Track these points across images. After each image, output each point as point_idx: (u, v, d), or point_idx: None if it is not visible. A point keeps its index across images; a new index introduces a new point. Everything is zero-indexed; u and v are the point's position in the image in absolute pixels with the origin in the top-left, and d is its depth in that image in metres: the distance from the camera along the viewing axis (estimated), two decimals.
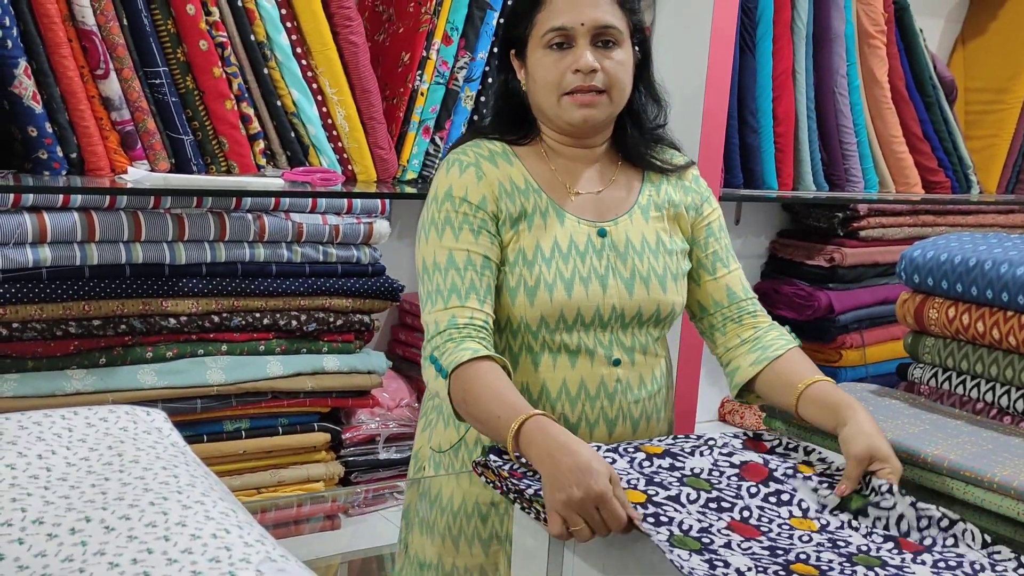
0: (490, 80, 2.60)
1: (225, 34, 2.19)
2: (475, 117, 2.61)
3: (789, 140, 3.18)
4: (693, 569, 1.12)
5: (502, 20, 1.66)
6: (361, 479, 2.56)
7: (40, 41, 1.97)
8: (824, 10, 3.21)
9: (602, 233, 1.58)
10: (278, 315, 2.37)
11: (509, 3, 1.62)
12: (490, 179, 1.56)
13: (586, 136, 1.61)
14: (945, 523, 1.31)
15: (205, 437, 2.28)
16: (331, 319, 2.44)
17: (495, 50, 2.58)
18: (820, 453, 1.49)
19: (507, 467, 1.37)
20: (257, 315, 2.34)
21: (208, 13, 2.16)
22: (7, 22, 1.92)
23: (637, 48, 1.60)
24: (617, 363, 1.58)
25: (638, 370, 1.61)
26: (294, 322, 2.39)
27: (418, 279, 1.57)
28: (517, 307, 1.54)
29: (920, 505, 1.33)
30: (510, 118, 1.65)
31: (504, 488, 1.34)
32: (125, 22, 2.07)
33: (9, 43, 1.92)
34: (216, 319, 2.29)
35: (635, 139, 1.65)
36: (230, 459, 2.31)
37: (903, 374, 1.98)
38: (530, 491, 1.29)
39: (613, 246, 1.58)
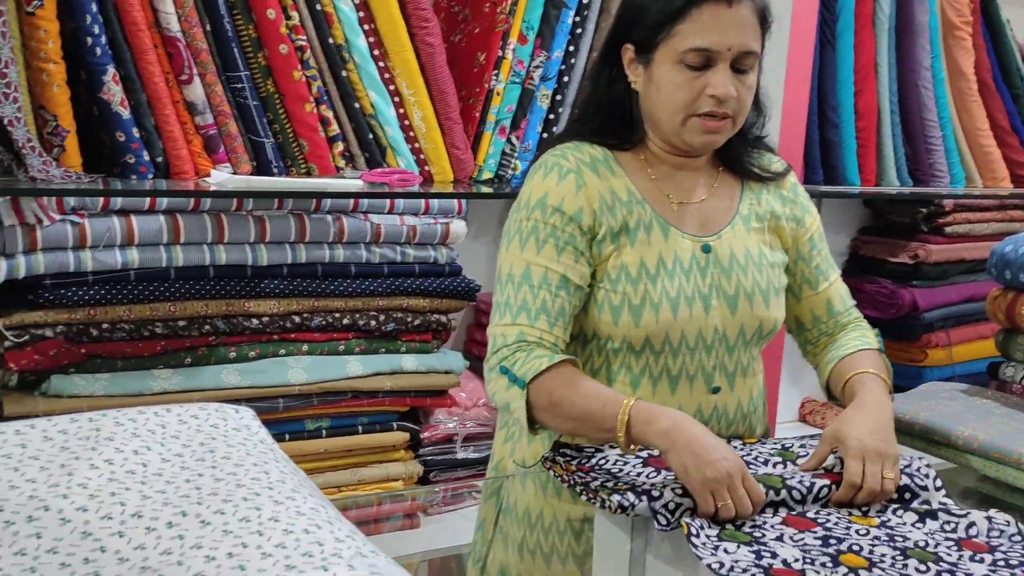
0: (566, 79, 2.59)
1: (304, 38, 2.22)
2: (551, 116, 2.60)
3: (871, 135, 3.11)
4: (733, 565, 1.10)
5: (621, 13, 1.56)
6: (439, 478, 2.57)
7: (127, 48, 2.01)
8: (907, 1, 3.14)
9: (707, 249, 1.52)
10: (357, 315, 2.39)
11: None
12: (591, 190, 1.49)
13: (698, 155, 1.56)
14: (1019, 537, 1.26)
15: (287, 436, 2.31)
16: (409, 319, 2.46)
17: (572, 48, 2.57)
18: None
19: (575, 462, 1.38)
20: (337, 315, 2.37)
21: (288, 17, 2.19)
22: (96, 30, 1.97)
23: None
24: (717, 390, 1.53)
25: (736, 395, 1.56)
26: (373, 322, 2.41)
27: (495, 285, 1.53)
28: (620, 327, 1.47)
29: (995, 518, 1.28)
30: (612, 120, 1.56)
31: (571, 481, 1.35)
32: (208, 28, 2.11)
33: (98, 50, 1.97)
34: (297, 319, 2.32)
35: (738, 148, 1.58)
36: (311, 458, 2.34)
37: (994, 373, 1.93)
38: (595, 483, 1.31)
39: (717, 262, 1.52)
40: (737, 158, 1.59)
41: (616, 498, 1.25)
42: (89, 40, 1.97)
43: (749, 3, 1.44)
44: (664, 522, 1.23)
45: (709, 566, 1.12)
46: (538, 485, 1.58)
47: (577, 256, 1.47)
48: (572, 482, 1.34)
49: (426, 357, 2.49)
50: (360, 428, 2.42)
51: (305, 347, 2.34)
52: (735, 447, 1.47)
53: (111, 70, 1.99)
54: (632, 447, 1.34)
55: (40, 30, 1.91)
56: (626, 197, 1.51)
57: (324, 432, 2.37)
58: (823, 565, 1.13)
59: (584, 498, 1.32)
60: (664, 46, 1.45)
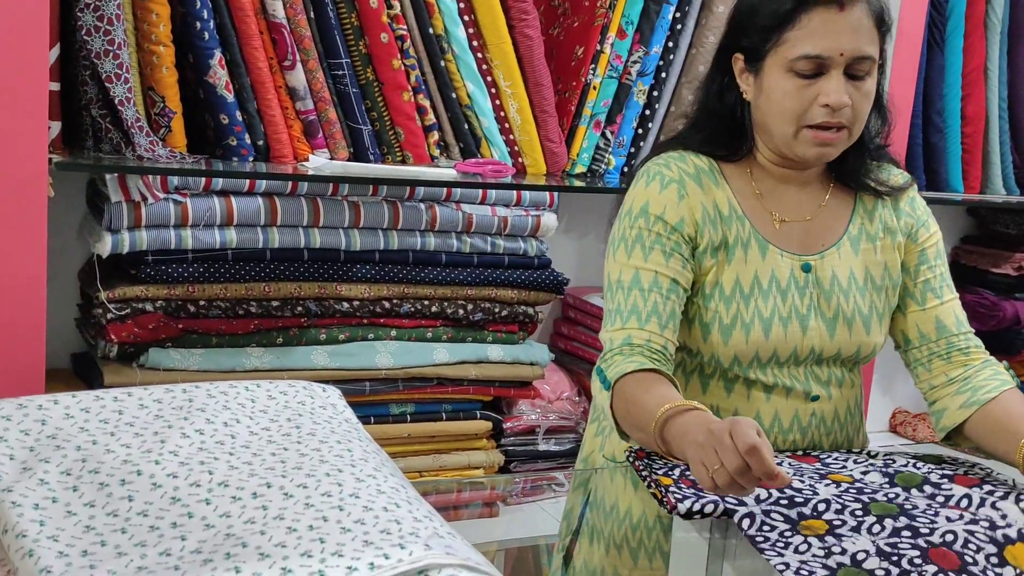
0: (663, 75, 2.57)
1: (405, 27, 2.25)
2: (647, 111, 2.59)
3: (978, 141, 3.02)
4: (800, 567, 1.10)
5: (731, 21, 1.49)
6: (520, 469, 2.58)
7: (234, 33, 2.06)
8: (1021, 3, 3.03)
9: (806, 268, 1.48)
10: (446, 303, 2.42)
11: (743, 5, 1.47)
12: (693, 201, 1.47)
13: (809, 168, 1.52)
14: None
15: (372, 419, 2.34)
16: (496, 309, 2.47)
17: (671, 44, 2.55)
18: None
19: (658, 462, 1.38)
20: (426, 303, 2.39)
21: (390, 7, 2.22)
22: (205, 15, 2.02)
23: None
24: (815, 399, 1.51)
25: (834, 404, 1.53)
26: (461, 311, 2.43)
27: (603, 294, 1.52)
28: (709, 343, 1.46)
29: None
30: (721, 130, 1.52)
31: (649, 481, 1.34)
32: (312, 15, 2.15)
33: (206, 35, 2.03)
34: (387, 305, 2.35)
35: (855, 160, 1.52)
36: (395, 441, 2.37)
37: None
38: (671, 488, 1.29)
39: (817, 283, 1.48)
40: (853, 171, 1.53)
41: (687, 503, 1.25)
42: (198, 25, 2.02)
43: (864, 5, 1.39)
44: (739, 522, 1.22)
45: (776, 567, 1.10)
46: (628, 479, 1.57)
47: (684, 262, 1.46)
48: (649, 482, 1.34)
49: (512, 348, 2.50)
50: (444, 415, 2.44)
51: (393, 332, 2.37)
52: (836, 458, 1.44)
53: (218, 54, 2.05)
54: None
55: (152, 13, 1.97)
56: (727, 211, 1.49)
57: (408, 417, 2.40)
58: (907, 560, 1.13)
59: (655, 499, 1.31)
60: (773, 54, 1.41)
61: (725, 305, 1.45)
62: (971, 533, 1.18)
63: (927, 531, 1.19)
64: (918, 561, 1.11)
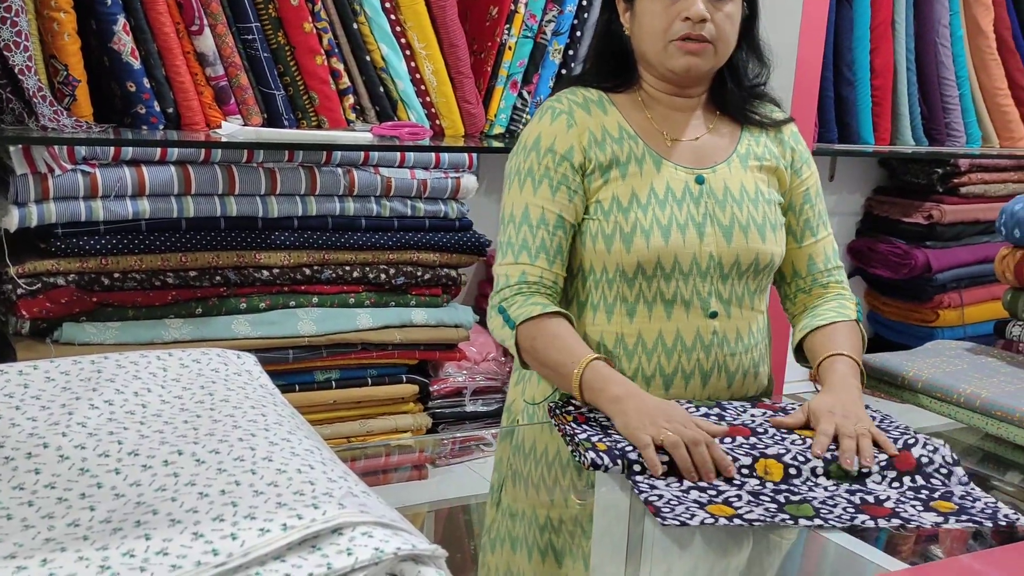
0: (579, 34, 2.58)
1: None
2: (563, 71, 2.59)
3: (887, 93, 3.09)
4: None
5: None
6: (448, 430, 2.60)
7: None
8: None
9: (700, 180, 1.57)
10: (367, 268, 2.41)
11: None
12: (581, 127, 1.56)
13: (686, 85, 1.60)
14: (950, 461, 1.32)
15: (297, 387, 2.33)
16: (419, 273, 2.47)
17: (584, 2, 2.55)
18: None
19: (575, 412, 1.42)
20: (347, 268, 2.38)
21: None
22: None
23: (745, 3, 1.58)
24: (714, 315, 1.57)
25: (735, 323, 1.59)
26: (383, 275, 2.42)
27: (501, 224, 1.61)
28: (613, 254, 1.53)
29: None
30: (610, 63, 1.64)
31: (563, 431, 1.39)
32: None
33: (109, 0, 1.98)
34: (307, 272, 2.33)
35: (734, 94, 1.63)
36: (321, 408, 2.36)
37: (1001, 332, 1.92)
38: (582, 436, 1.35)
39: (711, 193, 1.56)
40: (736, 104, 1.64)
41: (591, 455, 1.30)
42: None
43: None
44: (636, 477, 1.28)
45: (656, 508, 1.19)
46: (544, 421, 1.62)
47: (571, 195, 1.55)
48: (563, 432, 1.37)
49: (436, 311, 2.51)
50: (369, 380, 2.44)
51: (315, 299, 2.36)
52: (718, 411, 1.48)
53: (121, 20, 2.00)
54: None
55: None
56: (617, 133, 1.57)
57: (334, 383, 2.40)
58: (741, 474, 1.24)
59: (569, 449, 1.36)
60: None
61: (624, 215, 1.53)
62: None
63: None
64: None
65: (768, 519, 1.16)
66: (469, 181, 2.51)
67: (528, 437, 1.67)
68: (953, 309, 3.30)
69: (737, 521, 1.16)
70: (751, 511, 1.18)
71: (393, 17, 2.34)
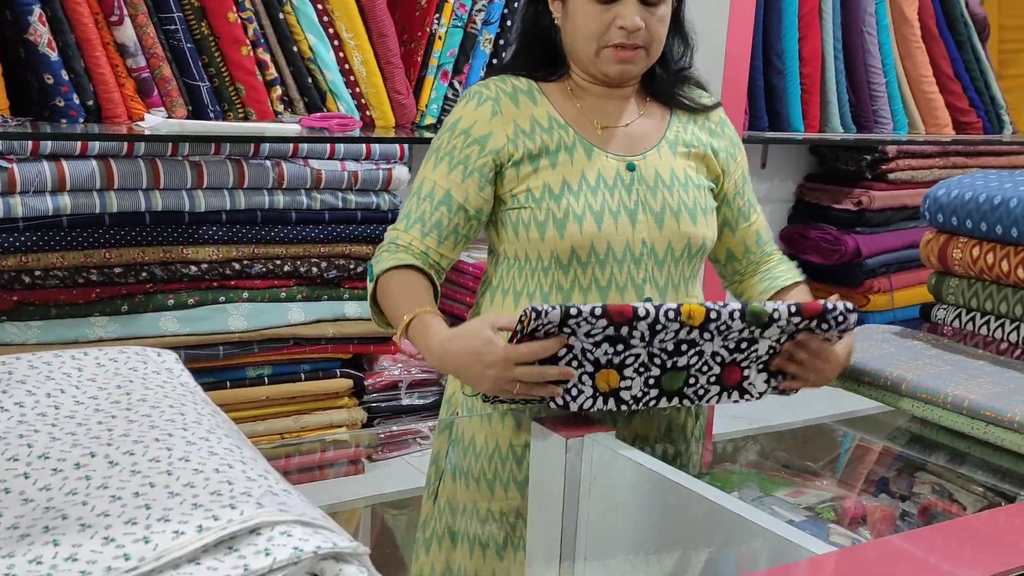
0: (509, 23, 2.57)
1: None
2: (494, 60, 2.58)
3: (815, 81, 3.13)
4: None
5: None
6: (384, 424, 2.58)
7: None
8: None
9: (631, 167, 1.57)
10: (298, 262, 2.37)
11: None
12: (506, 117, 1.55)
13: (617, 86, 1.61)
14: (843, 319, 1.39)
15: (228, 384, 2.30)
16: (351, 266, 2.44)
17: None
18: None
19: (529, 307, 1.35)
20: (277, 262, 2.35)
21: None
22: None
23: None
24: (648, 301, 1.53)
25: None
26: (314, 269, 2.39)
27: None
28: (547, 241, 1.52)
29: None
30: (538, 52, 1.62)
31: (527, 322, 1.31)
32: None
33: None
34: (237, 266, 2.29)
35: (663, 79, 1.63)
36: (253, 405, 2.33)
37: (927, 315, 1.95)
38: (553, 316, 1.29)
39: (642, 179, 1.56)
40: (664, 89, 1.64)
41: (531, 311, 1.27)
42: None
43: None
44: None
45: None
46: (482, 414, 1.62)
47: (466, 175, 1.54)
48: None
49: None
50: (303, 375, 2.41)
51: (245, 294, 2.32)
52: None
53: (37, 10, 1.94)
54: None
55: None
56: (547, 123, 1.56)
57: (266, 379, 2.36)
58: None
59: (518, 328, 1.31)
60: None
61: (555, 202, 1.52)
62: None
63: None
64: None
65: (639, 401, 1.35)
66: (401, 172, 2.49)
67: (467, 430, 1.64)
68: (883, 294, 3.35)
69: (612, 402, 1.33)
70: (630, 384, 1.34)
71: (320, 7, 2.31)
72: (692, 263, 1.61)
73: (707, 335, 1.35)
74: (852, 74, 3.23)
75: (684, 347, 1.35)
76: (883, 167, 3.34)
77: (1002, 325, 1.75)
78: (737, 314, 1.32)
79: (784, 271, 1.68)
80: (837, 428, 1.77)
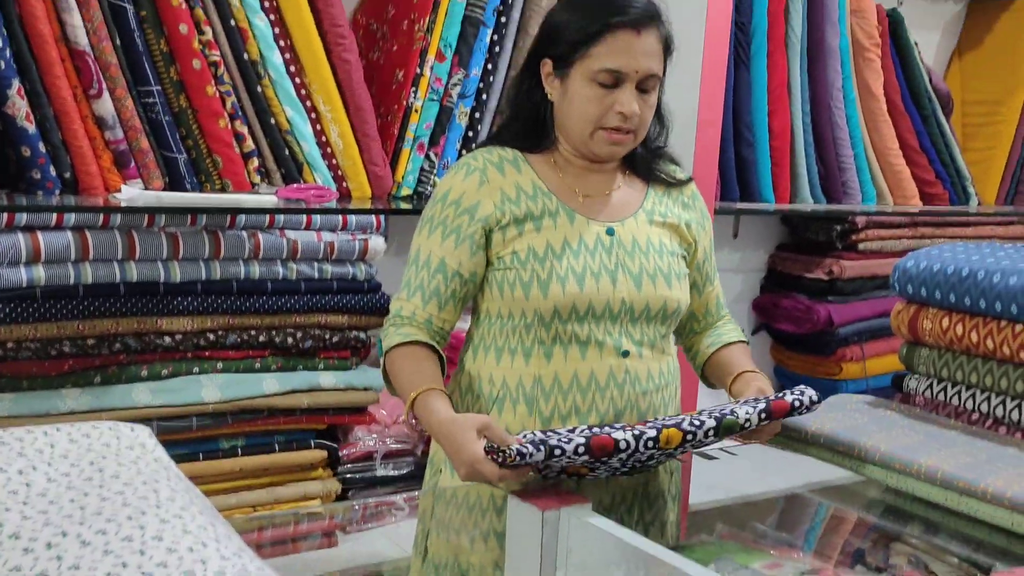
0: (484, 96, 2.61)
1: (218, 53, 2.20)
2: (470, 133, 2.61)
3: (785, 153, 3.18)
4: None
5: (543, 30, 1.69)
6: (359, 496, 2.55)
7: (33, 61, 1.98)
8: (818, 24, 3.22)
9: (610, 232, 1.65)
10: (274, 332, 2.37)
11: (555, 19, 1.67)
12: (493, 185, 1.63)
13: (603, 163, 1.70)
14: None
15: (201, 455, 2.27)
16: (327, 336, 2.44)
17: (490, 66, 2.59)
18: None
19: (515, 447, 1.39)
20: (253, 332, 2.34)
21: (201, 32, 2.17)
22: (0, 43, 1.93)
23: None
24: (626, 354, 1.64)
25: (646, 363, 1.66)
26: (290, 339, 2.39)
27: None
28: (531, 300, 1.60)
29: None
30: (527, 126, 1.70)
31: (510, 460, 1.36)
32: (118, 42, 2.08)
33: (2, 63, 1.94)
34: (212, 337, 2.28)
35: (643, 157, 1.73)
36: (226, 477, 2.31)
37: (899, 385, 1.97)
38: (537, 457, 1.35)
39: (621, 244, 1.65)
40: (644, 165, 1.72)
41: (516, 448, 1.33)
42: None
43: (655, 32, 1.61)
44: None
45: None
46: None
47: (459, 242, 1.63)
48: (512, 461, 1.37)
49: (344, 374, 2.48)
50: (276, 446, 2.39)
51: (220, 365, 2.31)
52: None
53: (16, 84, 1.96)
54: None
55: None
56: (531, 191, 1.65)
57: (239, 451, 2.34)
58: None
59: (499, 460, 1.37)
60: (580, 64, 1.59)
61: (540, 264, 1.60)
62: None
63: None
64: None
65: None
66: (377, 243, 2.50)
67: (450, 487, 1.69)
68: (855, 362, 3.38)
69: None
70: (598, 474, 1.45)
71: (298, 80, 2.34)
72: (667, 323, 1.70)
73: (680, 449, 1.43)
74: (821, 146, 3.29)
75: (656, 457, 1.45)
76: (853, 237, 3.39)
77: (973, 395, 1.77)
78: (712, 432, 1.41)
79: (730, 330, 1.80)
80: (812, 498, 1.77)
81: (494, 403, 1.65)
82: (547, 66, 1.64)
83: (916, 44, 3.52)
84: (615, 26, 1.57)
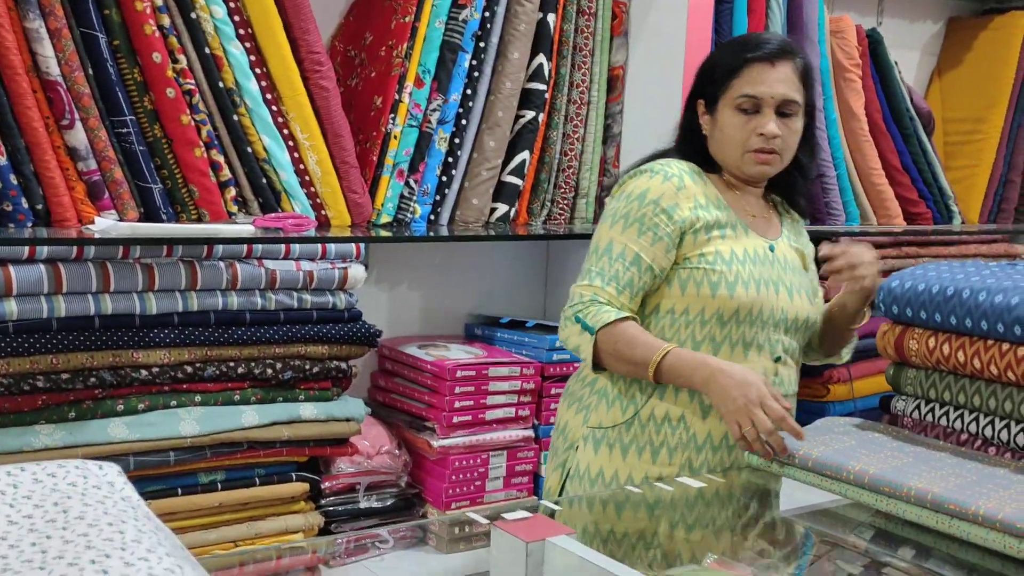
0: (464, 122, 2.59)
1: (193, 81, 2.17)
2: (450, 159, 2.59)
3: None
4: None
5: (698, 74, 2.06)
6: (342, 529, 2.51)
7: (4, 92, 1.94)
8: (798, 45, 3.21)
9: (772, 248, 1.94)
10: (253, 364, 2.33)
11: (706, 64, 2.00)
12: (689, 192, 1.88)
13: (755, 184, 1.98)
14: None
15: (179, 490, 2.22)
16: (307, 367, 2.40)
17: (469, 91, 2.57)
18: None
19: None
20: (231, 364, 2.30)
21: (175, 60, 2.15)
22: None
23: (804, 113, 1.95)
24: (779, 360, 1.91)
25: (790, 371, 1.94)
26: (269, 370, 2.35)
27: (587, 256, 1.91)
28: (717, 299, 1.84)
29: None
30: (694, 149, 1.97)
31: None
32: (91, 71, 2.05)
33: None
34: (189, 369, 2.24)
35: (801, 185, 2.04)
36: (206, 512, 2.26)
37: (886, 407, 1.95)
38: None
39: (778, 260, 1.93)
40: (799, 193, 2.05)
41: None
42: None
43: (790, 64, 1.89)
44: None
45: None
46: (613, 447, 1.90)
47: (655, 240, 1.85)
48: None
49: (326, 405, 2.44)
50: (257, 480, 2.34)
51: (198, 398, 2.26)
52: None
53: None
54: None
55: None
56: (716, 202, 1.92)
57: (219, 485, 2.29)
58: None
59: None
60: (724, 97, 1.90)
61: (727, 267, 1.85)
62: None
63: None
64: None
65: None
66: (357, 271, 2.47)
67: (593, 465, 1.91)
68: (843, 384, 3.35)
69: None
70: None
71: (275, 108, 2.31)
72: (806, 335, 1.98)
73: None
74: None
75: None
76: None
77: (961, 416, 1.75)
78: None
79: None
80: (800, 523, 1.75)
81: (655, 390, 1.85)
82: (701, 105, 1.95)
83: (896, 63, 3.52)
84: (751, 60, 1.87)
